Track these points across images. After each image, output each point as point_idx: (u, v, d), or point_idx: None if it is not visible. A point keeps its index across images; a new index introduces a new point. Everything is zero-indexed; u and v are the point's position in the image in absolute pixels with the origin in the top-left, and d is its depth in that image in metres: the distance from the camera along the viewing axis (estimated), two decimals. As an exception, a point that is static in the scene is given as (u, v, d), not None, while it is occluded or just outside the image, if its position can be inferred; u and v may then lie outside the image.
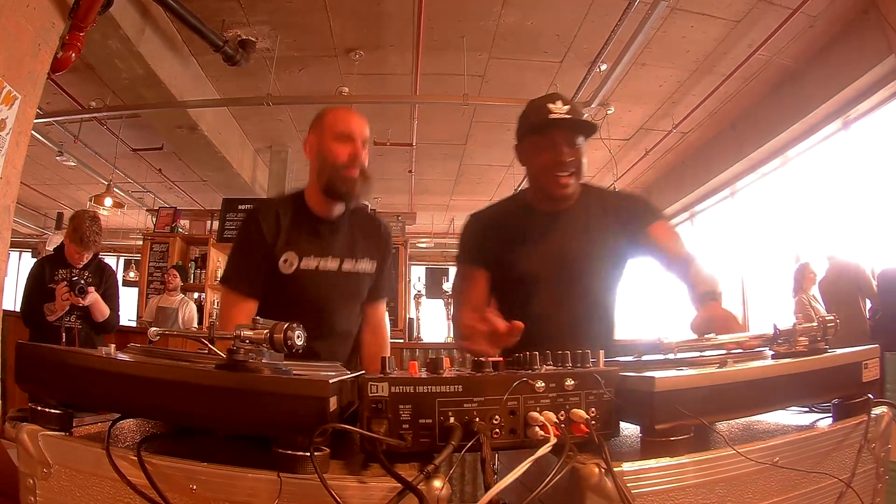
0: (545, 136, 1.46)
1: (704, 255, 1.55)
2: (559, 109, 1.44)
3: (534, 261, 1.52)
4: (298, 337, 0.74)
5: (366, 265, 1.67)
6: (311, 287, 1.58)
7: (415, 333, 6.47)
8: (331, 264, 1.61)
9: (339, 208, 1.63)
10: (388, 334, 1.83)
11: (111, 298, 3.17)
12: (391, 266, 1.81)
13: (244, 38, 4.59)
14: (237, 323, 1.12)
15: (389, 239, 1.79)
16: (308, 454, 0.64)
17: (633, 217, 1.54)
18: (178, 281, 5.59)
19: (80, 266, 3.08)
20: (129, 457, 0.68)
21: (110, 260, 11.08)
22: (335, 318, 1.63)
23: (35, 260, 3.47)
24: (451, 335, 5.69)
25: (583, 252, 1.52)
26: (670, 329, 1.93)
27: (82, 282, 2.94)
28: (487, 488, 0.62)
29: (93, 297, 2.98)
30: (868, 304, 4.37)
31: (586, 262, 1.52)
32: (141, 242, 6.61)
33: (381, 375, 0.72)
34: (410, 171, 7.35)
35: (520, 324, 1.12)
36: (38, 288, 3.04)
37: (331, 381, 0.67)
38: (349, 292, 1.66)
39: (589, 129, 1.48)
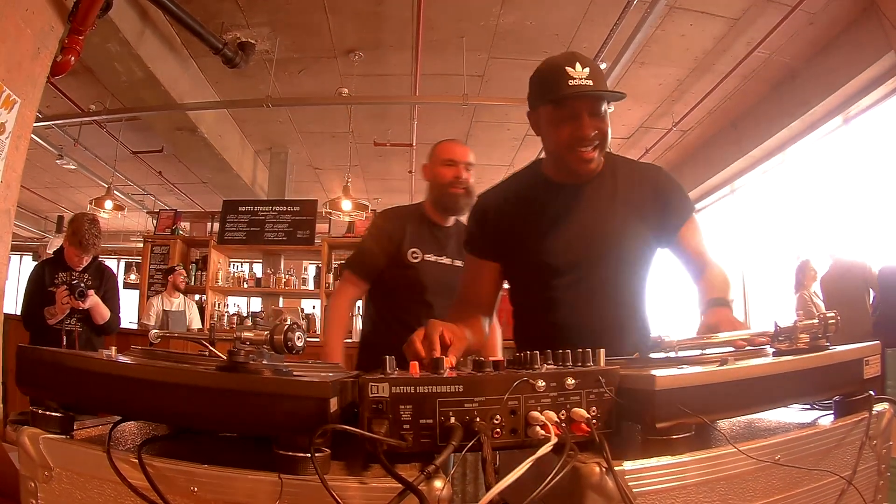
0: (565, 108, 1.27)
1: (722, 258, 1.40)
2: (580, 74, 1.24)
3: (557, 241, 1.35)
4: (298, 338, 0.74)
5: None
6: (431, 274, 2.04)
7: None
8: (444, 260, 2.08)
9: (451, 219, 2.13)
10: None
11: (111, 301, 3.17)
12: None
13: (243, 40, 4.59)
14: (349, 296, 2.21)
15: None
16: (309, 455, 0.64)
17: (668, 206, 1.39)
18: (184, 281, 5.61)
19: (80, 269, 3.08)
20: (130, 459, 0.68)
21: (111, 262, 11.10)
22: (447, 303, 1.88)
23: (35, 263, 3.47)
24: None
25: (610, 228, 1.35)
26: (676, 326, 1.94)
27: (82, 285, 2.95)
28: (488, 488, 0.62)
29: (93, 299, 2.98)
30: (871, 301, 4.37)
31: (613, 240, 1.35)
32: (141, 245, 6.62)
33: (382, 376, 0.72)
34: (410, 172, 7.35)
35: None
36: (38, 291, 3.04)
37: (331, 382, 0.67)
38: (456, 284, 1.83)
39: (615, 95, 1.31)
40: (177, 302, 5.44)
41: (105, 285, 3.17)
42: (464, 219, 2.04)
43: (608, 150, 1.38)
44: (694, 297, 1.32)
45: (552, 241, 1.36)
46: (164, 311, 5.33)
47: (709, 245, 1.41)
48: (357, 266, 2.13)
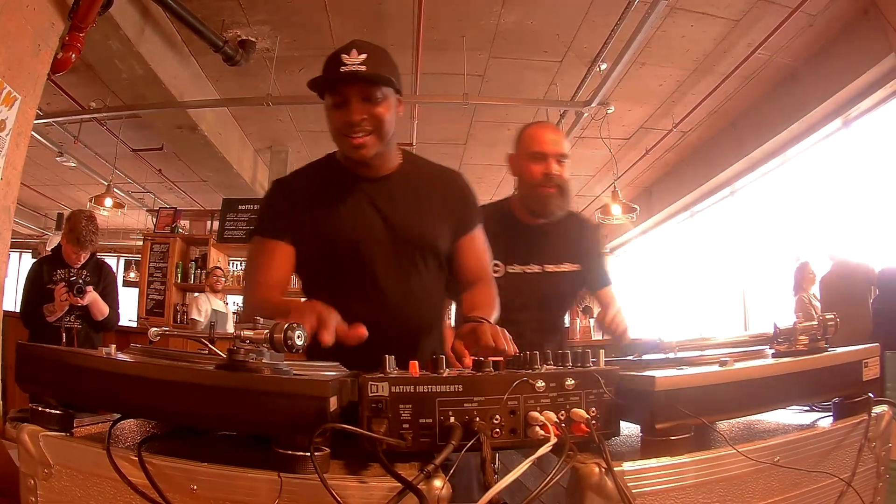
0: (337, 93, 1.27)
1: (491, 281, 1.45)
2: (353, 60, 1.23)
3: (348, 230, 1.31)
4: (299, 337, 0.74)
5: (567, 267, 1.79)
6: (516, 289, 1.69)
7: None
8: (533, 269, 1.77)
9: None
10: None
11: (110, 297, 3.17)
12: (598, 257, 1.91)
13: (244, 38, 4.58)
14: None
15: (593, 238, 1.91)
16: (308, 454, 0.64)
17: (456, 216, 1.40)
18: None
19: (78, 266, 3.08)
20: (130, 457, 0.68)
21: (110, 260, 11.09)
22: (544, 316, 1.77)
23: (33, 261, 3.48)
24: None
25: (407, 224, 1.33)
26: (671, 328, 2.03)
27: (81, 282, 2.95)
28: (487, 488, 0.62)
29: (91, 296, 2.98)
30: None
31: (416, 237, 1.34)
32: (141, 243, 6.62)
33: (381, 375, 0.72)
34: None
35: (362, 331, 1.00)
36: (36, 289, 3.04)
37: (330, 381, 0.67)
38: (551, 293, 1.78)
39: (384, 80, 1.27)
40: (219, 303, 5.48)
41: (103, 282, 3.17)
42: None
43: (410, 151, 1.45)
44: (451, 309, 1.64)
45: (343, 230, 1.32)
46: (213, 309, 5.36)
47: (486, 263, 1.45)
48: None
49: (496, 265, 1.67)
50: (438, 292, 1.43)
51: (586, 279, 1.84)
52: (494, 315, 1.29)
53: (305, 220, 1.32)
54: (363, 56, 1.22)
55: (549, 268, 1.77)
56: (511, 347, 1.01)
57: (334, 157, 1.43)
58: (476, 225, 1.43)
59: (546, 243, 1.77)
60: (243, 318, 1.69)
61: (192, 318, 5.55)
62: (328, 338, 0.94)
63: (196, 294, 5.85)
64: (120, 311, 3.31)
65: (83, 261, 3.09)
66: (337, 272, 1.32)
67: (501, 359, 0.81)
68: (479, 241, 1.43)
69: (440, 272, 1.41)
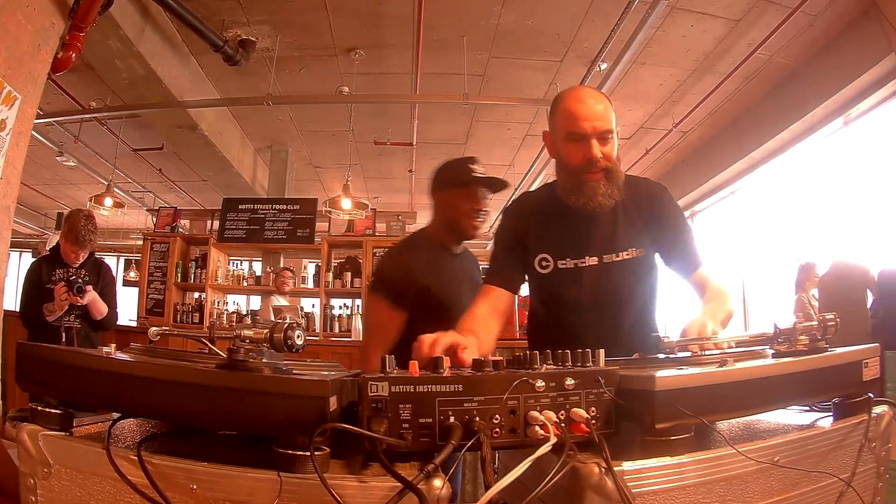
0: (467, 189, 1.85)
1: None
2: (479, 169, 1.85)
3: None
4: (298, 336, 0.74)
5: (630, 254, 1.48)
6: (567, 284, 1.49)
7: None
8: (589, 261, 1.48)
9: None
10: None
11: (109, 296, 3.16)
12: (684, 229, 1.52)
13: (244, 37, 4.58)
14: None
15: (663, 203, 1.52)
16: (308, 453, 0.64)
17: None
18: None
19: (77, 265, 3.07)
20: (130, 456, 0.68)
21: (110, 260, 11.10)
22: (614, 312, 1.50)
23: (32, 261, 3.47)
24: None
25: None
26: (672, 328, 1.95)
27: (80, 281, 2.94)
28: (487, 487, 0.62)
29: (91, 295, 2.98)
30: (870, 302, 4.37)
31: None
32: (141, 242, 6.61)
33: (381, 375, 0.72)
34: (411, 171, 7.34)
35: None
36: (35, 288, 3.04)
37: (330, 381, 0.67)
38: (613, 288, 1.49)
39: (500, 185, 1.88)
40: (293, 301, 5.50)
41: (102, 281, 3.16)
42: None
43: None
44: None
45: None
46: (279, 306, 5.37)
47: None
48: (492, 273, 1.56)
49: (544, 259, 1.50)
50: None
51: (669, 260, 1.50)
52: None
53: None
54: (482, 169, 1.87)
55: (606, 258, 1.48)
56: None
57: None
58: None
59: (601, 230, 1.49)
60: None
61: (266, 320, 5.53)
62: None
63: (267, 296, 5.89)
64: (118, 310, 3.31)
65: (82, 260, 3.09)
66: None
67: (501, 358, 0.81)
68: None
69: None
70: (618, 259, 1.47)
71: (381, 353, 1.34)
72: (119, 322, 3.47)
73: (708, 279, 1.42)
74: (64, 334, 2.94)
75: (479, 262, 2.15)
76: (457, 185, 1.87)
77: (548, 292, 1.55)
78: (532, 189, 1.79)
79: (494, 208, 2.01)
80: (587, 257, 1.48)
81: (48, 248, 3.26)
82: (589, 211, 1.42)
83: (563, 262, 1.49)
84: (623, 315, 1.52)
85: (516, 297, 1.61)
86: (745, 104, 5.77)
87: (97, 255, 3.28)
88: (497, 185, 1.88)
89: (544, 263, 1.50)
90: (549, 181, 1.61)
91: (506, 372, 0.76)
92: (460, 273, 1.94)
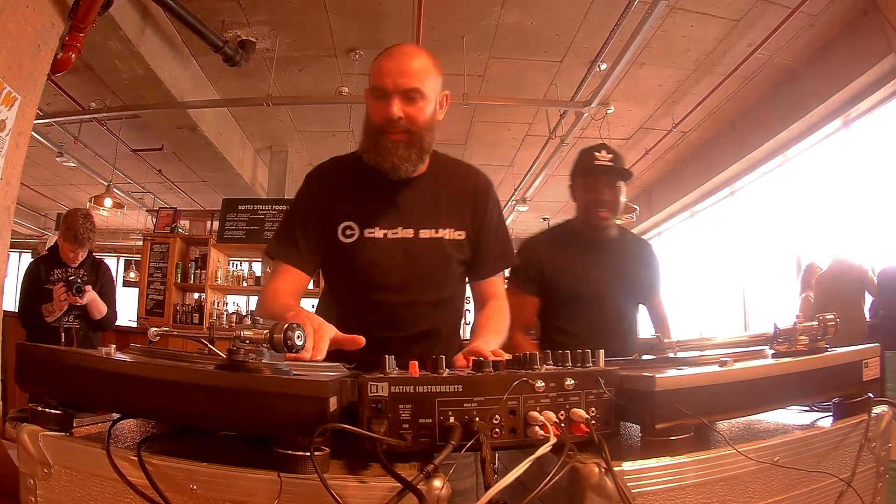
0: (591, 178, 1.92)
1: (671, 321, 2.14)
2: (603, 157, 1.89)
3: (585, 281, 1.93)
4: (298, 337, 0.74)
5: (450, 234, 1.33)
6: (378, 257, 1.29)
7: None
8: (401, 232, 1.30)
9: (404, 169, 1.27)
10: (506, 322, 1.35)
11: (108, 295, 3.16)
12: (498, 230, 1.40)
13: (244, 38, 4.59)
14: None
15: (489, 197, 1.39)
16: (308, 454, 0.64)
17: (650, 279, 2.08)
18: None
19: (76, 265, 3.07)
20: (130, 457, 0.68)
21: (110, 260, 11.10)
22: (421, 293, 1.31)
23: (31, 261, 3.46)
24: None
25: (622, 279, 1.96)
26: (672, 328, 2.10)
27: (79, 281, 2.93)
28: (487, 488, 0.62)
29: (90, 295, 2.97)
30: (869, 303, 4.37)
31: (614, 285, 1.95)
32: (141, 243, 6.61)
33: (381, 375, 0.72)
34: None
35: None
36: (34, 289, 3.03)
37: (330, 381, 0.67)
38: (426, 264, 1.31)
39: (626, 175, 1.93)
40: None
41: (101, 280, 3.16)
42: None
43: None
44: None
45: (583, 278, 1.94)
46: None
47: (664, 310, 2.18)
48: (280, 248, 1.35)
49: (348, 227, 1.31)
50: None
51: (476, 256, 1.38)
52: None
53: (552, 275, 2.01)
54: (610, 156, 1.91)
55: (424, 233, 1.32)
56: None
57: (571, 223, 2.10)
58: (659, 286, 2.19)
59: (417, 201, 1.34)
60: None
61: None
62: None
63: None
64: (117, 309, 3.30)
65: (80, 259, 3.08)
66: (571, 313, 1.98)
67: (502, 359, 0.81)
68: (660, 298, 2.18)
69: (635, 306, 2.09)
70: (436, 235, 1.31)
71: (516, 334, 1.74)
72: (119, 322, 3.46)
73: (495, 296, 1.38)
74: (63, 335, 2.94)
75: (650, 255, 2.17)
76: (581, 174, 1.95)
77: (348, 266, 1.30)
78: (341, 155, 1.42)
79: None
80: (400, 228, 1.29)
81: (47, 249, 3.25)
82: (402, 179, 1.28)
83: (371, 231, 1.29)
84: (429, 297, 1.32)
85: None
86: (745, 104, 5.77)
87: (96, 254, 3.28)
88: (623, 174, 1.91)
89: (349, 232, 1.29)
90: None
91: (506, 372, 0.76)
92: (601, 263, 1.95)
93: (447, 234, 1.32)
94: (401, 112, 1.21)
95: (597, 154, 1.89)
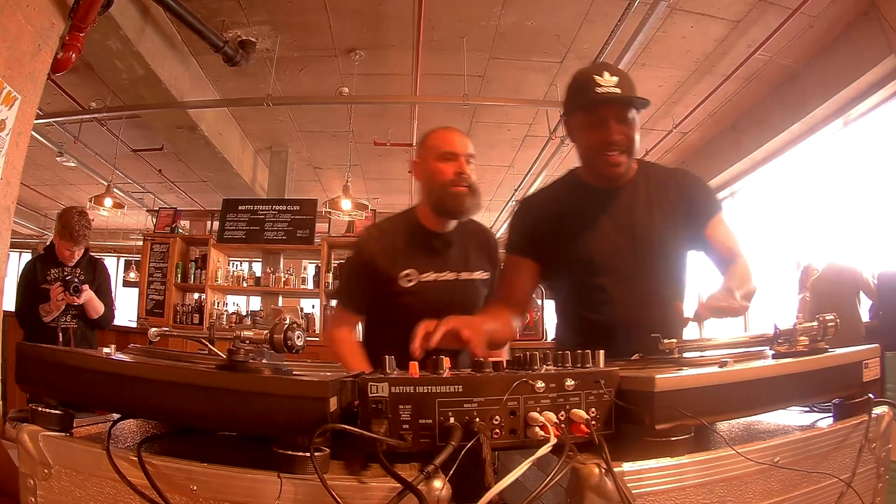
0: (593, 114, 1.37)
1: (750, 254, 1.47)
2: (607, 82, 1.33)
3: (598, 240, 1.42)
4: (298, 337, 0.74)
5: (480, 275, 1.74)
6: (431, 295, 1.65)
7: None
8: (447, 276, 1.69)
9: (451, 223, 1.70)
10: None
11: (104, 294, 3.14)
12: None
13: (244, 38, 4.58)
14: (345, 329, 1.75)
15: (498, 247, 1.80)
16: (308, 454, 0.64)
17: (696, 206, 1.46)
18: None
19: (72, 264, 3.05)
20: (130, 457, 0.68)
21: (110, 260, 11.11)
22: None
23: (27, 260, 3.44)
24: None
25: (650, 228, 1.41)
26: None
27: (76, 280, 2.91)
28: (487, 488, 0.62)
29: (87, 294, 2.95)
30: (869, 304, 4.37)
31: (654, 240, 1.41)
32: (141, 243, 6.61)
33: (382, 375, 0.72)
34: (411, 172, 7.34)
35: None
36: (31, 288, 3.00)
37: (331, 382, 0.67)
38: (466, 301, 1.69)
39: (640, 102, 1.38)
40: None
41: (98, 279, 3.14)
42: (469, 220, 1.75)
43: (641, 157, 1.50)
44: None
45: (594, 240, 1.43)
46: None
47: (737, 240, 1.50)
48: (345, 298, 1.78)
49: (408, 274, 1.66)
50: (676, 292, 1.49)
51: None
52: (747, 285, 1.30)
53: (552, 235, 1.47)
54: (615, 79, 1.35)
55: (464, 275, 1.71)
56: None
57: (575, 173, 1.56)
58: (715, 210, 1.51)
59: (455, 251, 1.73)
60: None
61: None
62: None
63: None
64: (114, 308, 3.29)
65: (77, 258, 3.06)
66: (584, 284, 1.45)
67: (501, 359, 0.81)
68: (721, 224, 1.51)
69: (677, 268, 1.50)
70: (470, 278, 1.71)
71: (499, 307, 1.54)
72: (119, 322, 3.45)
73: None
74: (61, 335, 2.92)
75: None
76: (579, 108, 1.42)
77: (406, 306, 1.64)
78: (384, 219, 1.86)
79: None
80: (447, 272, 1.69)
81: (43, 248, 3.23)
82: (446, 234, 1.70)
83: (426, 275, 1.66)
84: None
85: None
86: (745, 105, 5.77)
87: (93, 253, 3.27)
88: (636, 102, 1.39)
89: (409, 279, 1.65)
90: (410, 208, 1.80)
91: (506, 373, 0.76)
92: (607, 216, 1.45)
93: (478, 275, 1.73)
94: (472, 171, 1.65)
95: (597, 79, 1.33)
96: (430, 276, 1.67)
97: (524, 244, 1.52)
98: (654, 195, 1.46)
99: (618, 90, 1.33)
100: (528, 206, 1.59)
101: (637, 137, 1.39)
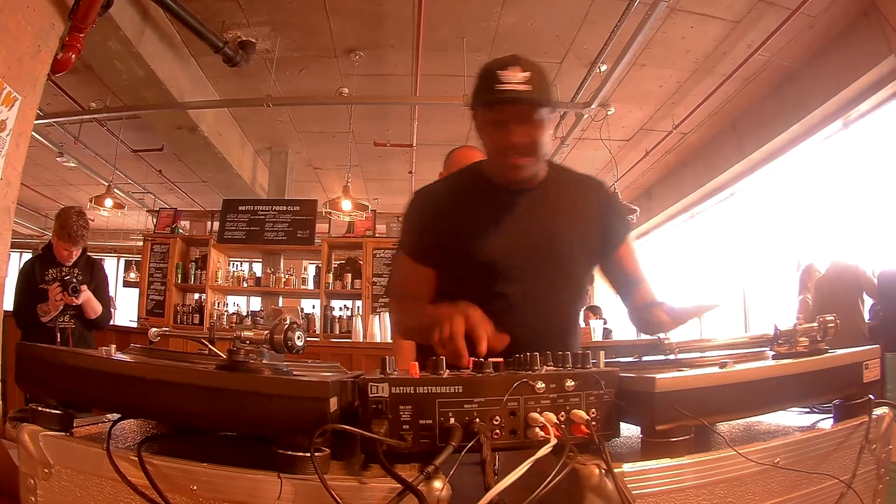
0: (494, 112, 1.22)
1: (651, 276, 1.43)
2: (513, 79, 1.16)
3: (501, 243, 1.29)
4: (298, 338, 0.74)
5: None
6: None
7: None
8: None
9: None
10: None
11: (102, 294, 3.14)
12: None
13: (244, 38, 4.59)
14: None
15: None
16: (308, 454, 0.64)
17: (610, 226, 1.38)
18: None
19: (70, 264, 3.05)
20: (130, 457, 0.68)
21: (110, 261, 11.11)
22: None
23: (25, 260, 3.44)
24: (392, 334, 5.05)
25: (557, 235, 1.31)
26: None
27: (75, 280, 2.91)
28: (488, 489, 0.62)
29: (86, 295, 2.95)
30: (869, 304, 4.36)
31: (560, 246, 1.31)
32: (141, 243, 6.61)
33: (382, 376, 0.72)
34: (411, 172, 7.34)
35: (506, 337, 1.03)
36: (29, 289, 3.00)
37: (331, 382, 0.67)
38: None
39: (547, 102, 1.22)
40: None
41: (95, 279, 3.14)
42: None
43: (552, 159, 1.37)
44: (625, 307, 1.39)
45: (497, 243, 1.29)
46: None
47: (642, 266, 1.43)
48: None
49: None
50: (578, 302, 1.42)
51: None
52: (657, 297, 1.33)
53: (453, 235, 1.31)
54: (525, 74, 1.17)
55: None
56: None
57: (479, 167, 1.40)
58: (627, 231, 1.44)
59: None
60: (398, 329, 1.68)
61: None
62: (483, 349, 0.96)
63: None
64: (112, 308, 3.28)
65: (75, 258, 3.06)
66: (484, 288, 1.29)
67: (501, 360, 0.81)
68: (630, 247, 1.42)
69: (581, 278, 1.38)
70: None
71: (404, 304, 1.39)
72: (119, 322, 3.45)
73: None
74: (59, 335, 2.92)
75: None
76: (482, 104, 1.26)
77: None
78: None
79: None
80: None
81: (42, 248, 3.23)
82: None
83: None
84: None
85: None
86: (745, 106, 5.77)
87: (91, 254, 3.26)
88: (542, 102, 1.21)
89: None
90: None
91: (506, 373, 0.76)
92: (512, 218, 1.32)
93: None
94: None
95: (501, 74, 1.17)
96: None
97: (421, 247, 1.36)
98: (563, 201, 1.35)
99: (526, 87, 1.16)
100: (424, 199, 1.40)
101: (545, 139, 1.24)
